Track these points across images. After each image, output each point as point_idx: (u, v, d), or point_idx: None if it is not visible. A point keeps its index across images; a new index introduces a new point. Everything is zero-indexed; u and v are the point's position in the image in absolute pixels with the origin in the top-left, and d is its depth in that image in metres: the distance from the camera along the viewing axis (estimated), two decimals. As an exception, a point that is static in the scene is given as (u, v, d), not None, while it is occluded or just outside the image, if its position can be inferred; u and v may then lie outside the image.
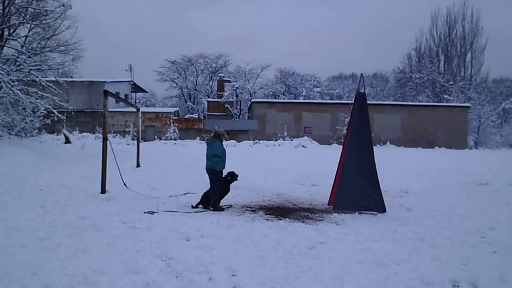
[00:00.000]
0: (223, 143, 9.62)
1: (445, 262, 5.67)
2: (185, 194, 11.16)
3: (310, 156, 25.74)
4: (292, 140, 39.17)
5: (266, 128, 43.70)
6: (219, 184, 9.29)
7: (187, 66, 64.84)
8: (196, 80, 66.42)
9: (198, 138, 39.53)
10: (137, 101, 58.93)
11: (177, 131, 40.84)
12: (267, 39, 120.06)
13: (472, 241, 6.89)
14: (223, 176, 9.52)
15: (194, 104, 65.19)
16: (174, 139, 39.07)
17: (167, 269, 5.17)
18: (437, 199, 11.62)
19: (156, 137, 39.73)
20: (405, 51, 72.76)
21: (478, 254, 6.18)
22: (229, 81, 53.45)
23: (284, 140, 39.79)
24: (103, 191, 10.48)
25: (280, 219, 8.21)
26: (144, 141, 38.37)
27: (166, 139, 38.99)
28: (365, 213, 8.95)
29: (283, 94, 60.45)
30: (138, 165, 16.71)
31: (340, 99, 57.53)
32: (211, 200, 9.24)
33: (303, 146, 36.34)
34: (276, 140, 39.69)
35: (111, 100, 26.54)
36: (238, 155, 22.54)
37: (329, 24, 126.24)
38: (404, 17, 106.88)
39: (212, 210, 9.05)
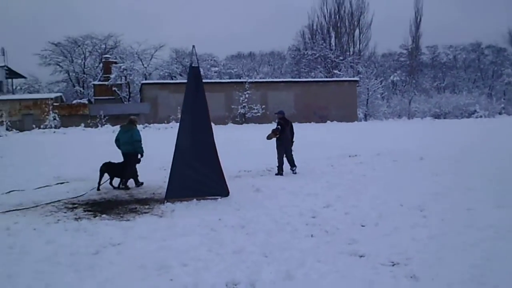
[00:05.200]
0: None
1: (245, 255, 4.86)
2: (8, 192, 9.43)
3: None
4: (186, 121, 37.70)
5: (159, 110, 41.74)
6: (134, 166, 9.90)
7: (73, 48, 59.77)
8: (84, 63, 61.62)
9: (83, 124, 36.57)
10: (17, 87, 53.41)
11: (57, 119, 37.38)
12: (163, 19, 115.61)
13: (297, 223, 6.25)
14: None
15: (83, 88, 60.64)
16: (55, 127, 35.74)
17: None
18: (296, 176, 11.19)
19: (34, 126, 36.02)
20: (299, 29, 73.99)
21: (293, 239, 5.52)
22: (115, 63, 49.91)
23: (177, 122, 38.24)
24: None
25: (95, 217, 6.96)
26: (21, 131, 34.86)
27: (45, 128, 35.51)
28: (205, 199, 8.06)
29: (180, 75, 58.44)
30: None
31: (240, 78, 56.93)
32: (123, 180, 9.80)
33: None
34: (168, 122, 38.02)
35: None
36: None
37: (226, 3, 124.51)
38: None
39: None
